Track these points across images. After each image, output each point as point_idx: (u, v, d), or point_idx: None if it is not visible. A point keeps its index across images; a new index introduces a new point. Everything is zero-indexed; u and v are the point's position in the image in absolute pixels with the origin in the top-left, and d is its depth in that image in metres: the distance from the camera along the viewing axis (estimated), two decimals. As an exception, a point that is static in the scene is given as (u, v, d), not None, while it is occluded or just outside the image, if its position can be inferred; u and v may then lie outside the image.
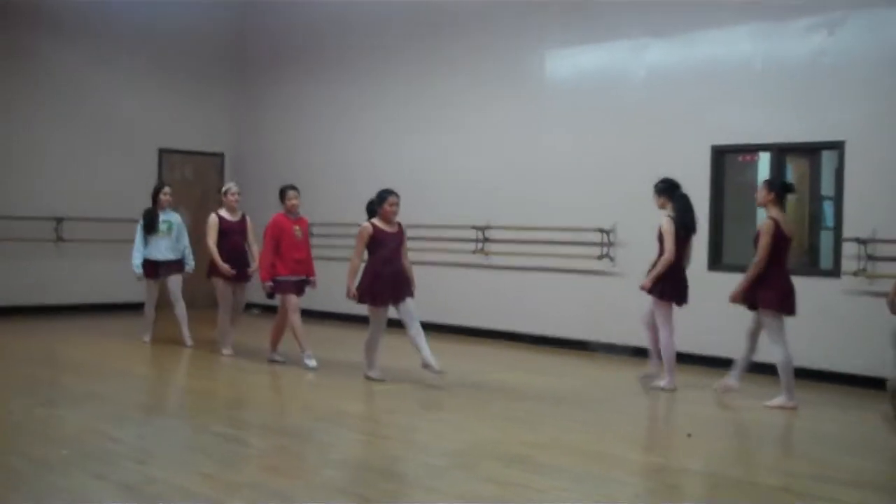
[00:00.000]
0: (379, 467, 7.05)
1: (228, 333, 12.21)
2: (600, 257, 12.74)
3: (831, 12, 11.15)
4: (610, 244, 12.72)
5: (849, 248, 10.79)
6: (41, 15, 16.15)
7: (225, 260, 11.94)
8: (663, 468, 7.23)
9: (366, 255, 10.21)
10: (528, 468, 7.01)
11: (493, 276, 14.08)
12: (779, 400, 9.43)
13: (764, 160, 11.90)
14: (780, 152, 11.55)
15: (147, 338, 13.20)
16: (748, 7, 11.78)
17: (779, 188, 9.55)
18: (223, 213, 12.24)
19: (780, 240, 9.31)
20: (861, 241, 10.65)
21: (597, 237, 12.79)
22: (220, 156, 18.42)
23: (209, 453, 7.28)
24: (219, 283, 12.13)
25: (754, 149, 11.99)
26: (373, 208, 10.30)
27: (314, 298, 12.86)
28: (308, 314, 12.26)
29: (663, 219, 10.20)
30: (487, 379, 9.76)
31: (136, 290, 17.06)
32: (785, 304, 9.38)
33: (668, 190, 10.31)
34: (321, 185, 15.83)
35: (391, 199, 10.19)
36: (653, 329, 10.21)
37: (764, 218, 9.58)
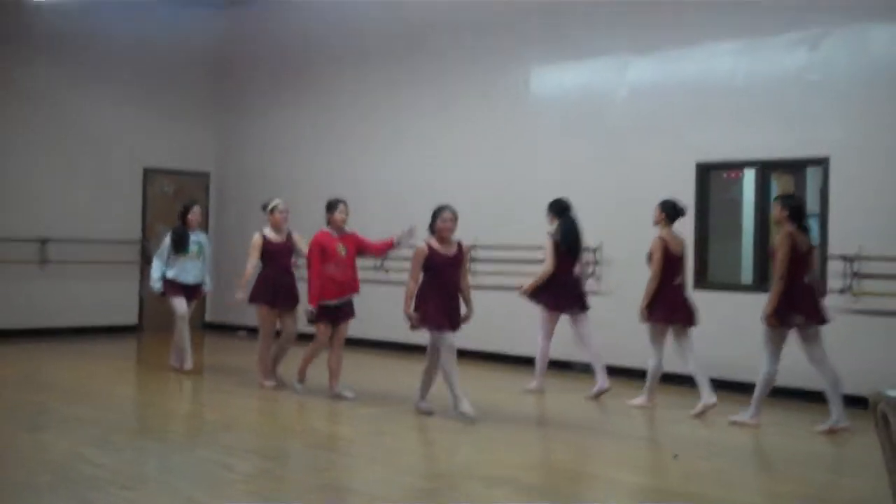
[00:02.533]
0: (363, 491, 7.01)
1: (268, 364, 11.21)
2: (586, 276, 12.70)
3: (813, 28, 11.20)
4: (596, 263, 12.70)
5: (834, 266, 10.79)
6: (22, 36, 16.09)
7: (272, 285, 11.08)
8: (651, 489, 7.20)
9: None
10: (514, 490, 6.98)
11: (478, 296, 13.98)
12: (639, 400, 10.34)
13: (749, 177, 11.91)
14: (765, 169, 11.58)
15: (189, 364, 12.34)
16: (730, 24, 11.82)
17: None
18: (268, 232, 11.24)
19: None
20: (847, 259, 10.66)
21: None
22: (206, 175, 18.38)
23: (194, 478, 7.23)
24: (262, 310, 11.15)
25: (739, 165, 12.01)
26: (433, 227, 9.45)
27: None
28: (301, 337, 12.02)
29: (547, 237, 11.02)
30: (474, 400, 9.68)
31: (122, 312, 17.14)
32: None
33: (557, 210, 11.09)
34: (305, 204, 15.75)
35: (444, 214, 9.32)
36: (586, 342, 11.01)
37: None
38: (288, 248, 11.24)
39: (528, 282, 11.16)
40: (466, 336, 13.85)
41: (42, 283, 16.19)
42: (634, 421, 9.86)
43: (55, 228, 16.25)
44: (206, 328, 17.90)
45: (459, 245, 9.52)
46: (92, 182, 16.84)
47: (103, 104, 17.05)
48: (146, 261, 17.23)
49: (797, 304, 9.22)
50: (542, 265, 11.00)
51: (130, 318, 17.32)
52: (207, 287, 12.60)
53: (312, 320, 10.26)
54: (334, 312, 10.32)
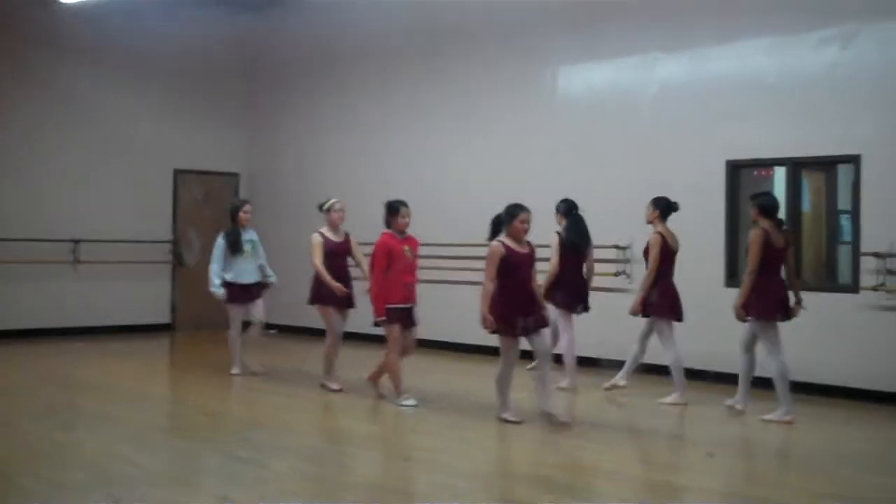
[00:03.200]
0: (398, 489, 7.03)
1: (333, 367, 11.02)
2: (616, 274, 12.68)
3: (844, 25, 11.12)
4: (626, 261, 12.67)
5: (867, 263, 10.73)
6: (56, 39, 16.21)
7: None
8: (685, 488, 7.18)
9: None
10: (548, 489, 6.99)
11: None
12: (671, 398, 10.28)
13: (779, 175, 11.85)
14: (796, 167, 11.51)
15: (236, 370, 12.12)
16: (760, 21, 11.76)
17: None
18: (325, 231, 11.02)
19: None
20: (879, 256, 10.59)
21: (613, 254, 12.74)
22: (236, 175, 18.46)
23: (226, 476, 7.27)
24: (327, 311, 10.93)
25: (769, 163, 11.94)
26: (498, 225, 9.25)
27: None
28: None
29: (553, 234, 11.06)
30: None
31: (155, 311, 17.26)
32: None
33: (564, 210, 11.18)
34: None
35: (522, 215, 9.07)
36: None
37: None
38: (346, 248, 11.10)
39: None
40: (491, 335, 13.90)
41: (75, 283, 16.31)
42: (667, 419, 9.82)
43: (88, 229, 16.36)
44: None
45: (530, 244, 9.29)
46: (123, 183, 16.94)
47: (135, 106, 17.14)
48: (178, 261, 17.39)
49: (774, 299, 9.48)
50: (549, 264, 11.03)
51: (163, 317, 17.43)
52: (272, 279, 12.29)
53: (381, 324, 9.97)
54: (406, 316, 10.04)
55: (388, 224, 10.13)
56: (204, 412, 10.07)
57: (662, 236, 10.42)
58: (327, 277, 10.73)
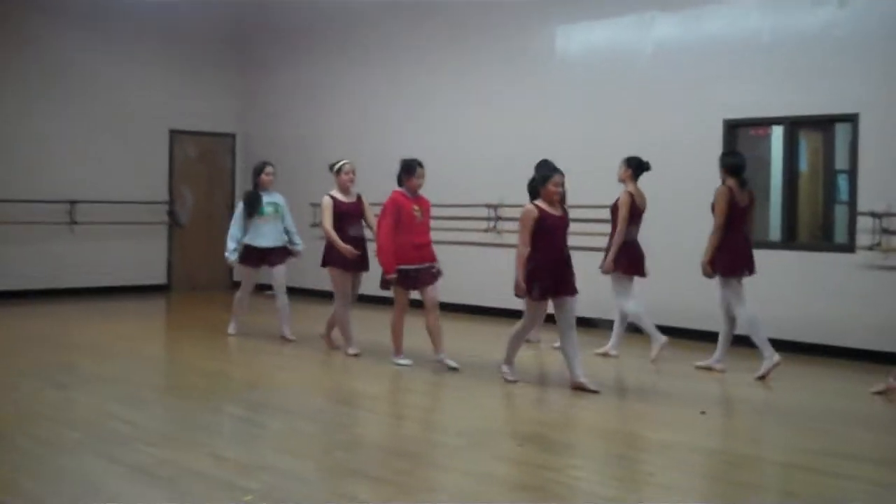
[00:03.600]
0: (392, 447, 7.03)
1: (349, 329, 10.79)
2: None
3: (843, -16, 11.05)
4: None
5: (863, 223, 10.71)
6: (49, 4, 16.16)
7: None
8: (677, 445, 7.18)
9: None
10: (542, 447, 7.00)
11: (506, 254, 13.99)
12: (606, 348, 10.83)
13: (777, 134, 11.80)
14: (793, 126, 11.47)
15: (233, 329, 12.08)
16: (760, -20, 11.69)
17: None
18: (336, 193, 10.73)
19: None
20: (876, 216, 10.56)
21: (608, 214, 12.68)
22: (232, 136, 18.39)
23: (222, 435, 7.28)
24: (336, 274, 10.67)
25: (767, 122, 11.90)
26: (534, 188, 8.98)
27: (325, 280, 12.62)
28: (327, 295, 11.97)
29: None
30: (501, 358, 9.70)
31: (151, 272, 17.26)
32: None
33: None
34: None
35: (556, 177, 8.81)
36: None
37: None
38: (359, 209, 10.80)
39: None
40: (490, 294, 13.91)
41: (71, 244, 16.29)
42: (662, 378, 9.83)
43: (84, 190, 16.34)
44: (235, 286, 17.94)
45: (564, 208, 9.10)
46: (119, 144, 16.89)
47: (129, 66, 17.06)
48: (174, 221, 17.36)
49: (739, 255, 9.73)
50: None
51: (159, 278, 17.44)
52: (299, 247, 11.96)
53: (390, 285, 9.86)
54: (414, 277, 9.91)
55: (401, 182, 10.00)
56: (199, 372, 10.07)
57: (632, 196, 10.47)
58: (337, 240, 10.51)
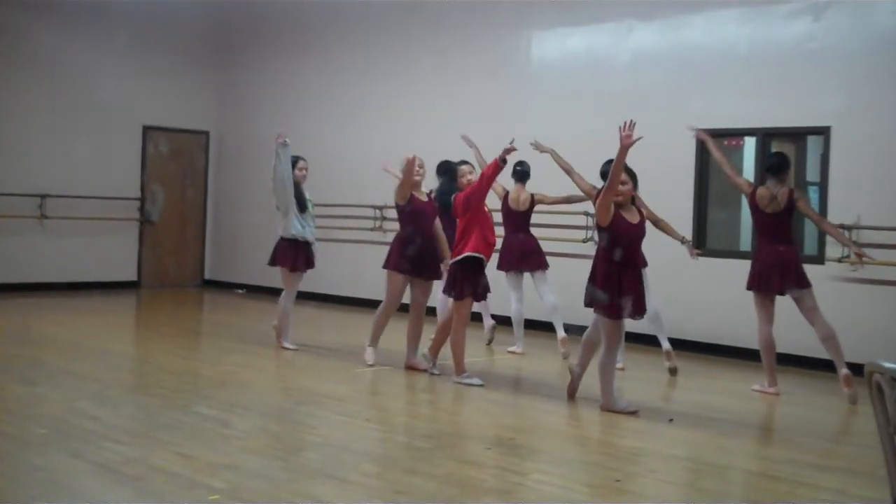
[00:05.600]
0: (360, 449, 7.02)
1: (379, 333, 10.22)
2: (585, 240, 12.69)
3: (818, -3, 11.14)
4: (596, 227, 12.64)
5: (833, 234, 10.78)
6: (23, -6, 16.08)
7: (412, 252, 9.86)
8: (642, 452, 7.22)
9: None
10: (509, 451, 7.01)
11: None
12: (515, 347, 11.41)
13: (749, 145, 11.89)
14: (766, 137, 11.55)
15: (289, 343, 11.13)
16: (735, -9, 11.76)
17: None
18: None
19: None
20: (845, 228, 10.64)
21: (581, 220, 12.75)
22: (205, 133, 18.34)
23: (189, 434, 7.24)
24: (395, 278, 9.94)
25: (740, 133, 11.98)
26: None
27: (311, 282, 12.47)
28: (306, 297, 11.75)
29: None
30: (470, 362, 9.72)
31: (121, 268, 17.16)
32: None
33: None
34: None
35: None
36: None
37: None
38: (433, 209, 10.06)
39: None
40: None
41: (41, 238, 16.19)
42: (630, 385, 9.86)
43: (55, 184, 16.24)
44: (205, 285, 17.92)
45: (641, 212, 8.50)
46: (91, 139, 16.80)
47: (103, 61, 17.00)
48: (145, 218, 17.29)
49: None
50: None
51: (129, 274, 17.35)
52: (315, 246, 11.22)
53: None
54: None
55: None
56: (168, 370, 10.02)
57: (507, 192, 11.51)
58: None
